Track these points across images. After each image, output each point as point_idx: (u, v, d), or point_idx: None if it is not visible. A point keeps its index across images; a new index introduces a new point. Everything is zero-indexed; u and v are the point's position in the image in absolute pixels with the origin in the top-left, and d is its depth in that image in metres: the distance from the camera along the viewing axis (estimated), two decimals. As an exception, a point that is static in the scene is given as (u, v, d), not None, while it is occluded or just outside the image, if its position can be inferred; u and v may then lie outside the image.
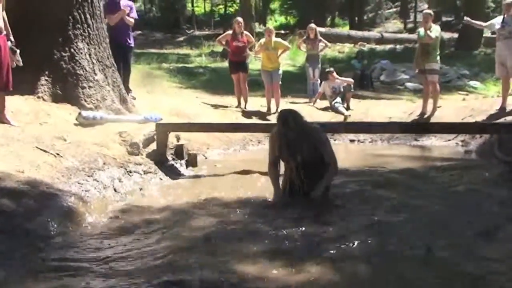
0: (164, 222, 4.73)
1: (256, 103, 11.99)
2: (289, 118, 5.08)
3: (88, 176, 5.69)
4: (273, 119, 11.02)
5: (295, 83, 15.09)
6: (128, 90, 9.90)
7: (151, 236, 4.36)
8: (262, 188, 5.84)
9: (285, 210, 5.00)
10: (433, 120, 10.26)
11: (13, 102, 6.92)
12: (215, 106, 11.21)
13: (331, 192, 5.42)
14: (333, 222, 4.69)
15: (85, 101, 7.65)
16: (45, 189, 4.87)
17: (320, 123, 6.58)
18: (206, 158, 8.00)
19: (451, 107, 10.72)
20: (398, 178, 6.27)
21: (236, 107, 11.52)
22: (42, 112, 6.91)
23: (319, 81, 13.07)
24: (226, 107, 11.40)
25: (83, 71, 7.79)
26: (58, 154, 5.85)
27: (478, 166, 7.23)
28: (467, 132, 7.69)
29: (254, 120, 10.82)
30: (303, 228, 4.36)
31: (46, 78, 7.62)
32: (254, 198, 5.52)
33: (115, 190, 5.74)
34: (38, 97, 7.46)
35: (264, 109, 11.55)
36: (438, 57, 10.28)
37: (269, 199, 5.37)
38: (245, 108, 11.49)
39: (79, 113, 6.97)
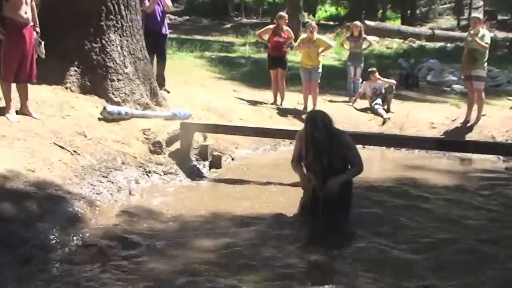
0: (164, 239, 4.46)
1: (293, 99, 11.69)
2: (317, 119, 4.88)
3: (103, 176, 5.55)
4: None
5: (337, 78, 14.67)
6: (162, 82, 9.76)
7: (140, 257, 4.08)
8: (283, 201, 5.57)
9: (300, 231, 4.75)
10: (476, 129, 9.78)
11: (40, 92, 6.84)
12: (251, 102, 10.94)
13: (352, 213, 5.13)
14: (343, 253, 4.41)
15: (113, 94, 7.51)
16: (53, 192, 4.73)
17: (349, 133, 6.27)
18: (232, 160, 7.75)
19: (497, 116, 10.18)
20: (428, 199, 5.89)
21: (272, 103, 11.24)
22: (66, 104, 6.78)
23: (360, 80, 12.65)
24: (262, 103, 11.12)
25: (113, 63, 7.64)
26: (75, 151, 5.72)
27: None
28: (507, 154, 7.11)
29: (289, 119, 10.55)
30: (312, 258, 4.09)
31: (76, 68, 7.50)
32: (270, 215, 5.19)
33: (130, 192, 5.57)
34: (66, 88, 7.35)
35: (301, 107, 11.24)
36: (486, 64, 9.78)
37: (287, 215, 5.11)
38: (281, 105, 11.21)
39: (104, 108, 6.82)
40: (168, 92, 9.61)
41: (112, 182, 5.53)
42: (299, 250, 4.28)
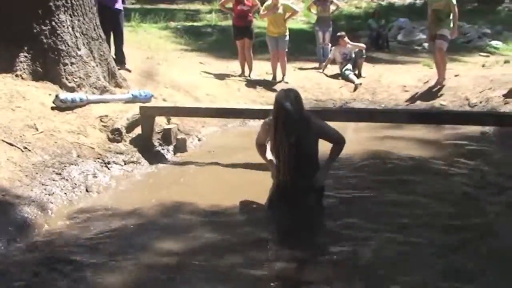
0: (118, 243, 4.07)
1: (262, 68, 11.30)
2: (291, 93, 4.48)
3: (57, 173, 5.16)
4: (279, 88, 10.34)
5: (306, 43, 14.31)
6: (122, 59, 9.29)
7: (86, 270, 3.67)
8: (250, 188, 5.22)
9: (268, 231, 4.48)
10: (449, 91, 9.53)
11: (-13, 83, 6.39)
12: (218, 75, 10.52)
13: (326, 201, 4.85)
14: (313, 257, 4.09)
15: (67, 79, 7.04)
16: (-1, 198, 4.35)
17: (316, 110, 5.96)
18: (199, 140, 7.38)
19: (469, 77, 9.92)
20: (405, 178, 5.59)
21: (240, 75, 10.85)
22: (17, 94, 6.31)
23: (329, 46, 12.28)
24: (229, 76, 10.72)
25: (65, 46, 7.14)
26: (26, 147, 5.32)
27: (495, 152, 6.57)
28: (486, 124, 6.77)
29: (258, 90, 10.23)
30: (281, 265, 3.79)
31: (25, 54, 6.99)
32: (235, 209, 4.82)
33: (86, 189, 5.18)
34: (17, 76, 6.86)
35: (270, 77, 10.87)
36: (451, 24, 9.46)
37: (254, 208, 4.81)
38: (249, 76, 10.84)
39: (56, 96, 6.37)
40: (129, 71, 9.17)
41: (67, 180, 5.14)
42: (265, 255, 3.95)
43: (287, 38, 10.66)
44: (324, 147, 4.75)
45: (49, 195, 4.78)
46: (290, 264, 3.78)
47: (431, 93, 9.66)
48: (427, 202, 4.85)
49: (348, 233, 4.29)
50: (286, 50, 10.67)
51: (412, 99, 9.79)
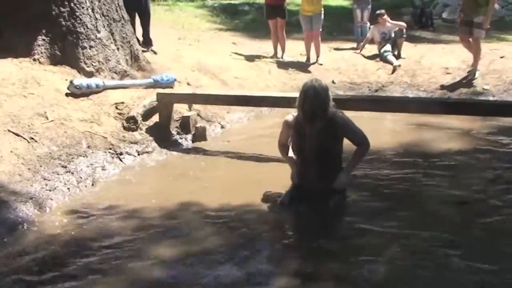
0: (115, 248, 3.72)
1: (296, 49, 10.82)
2: (317, 86, 4.15)
3: (63, 166, 4.90)
4: (313, 70, 9.94)
5: (345, 21, 13.74)
6: (148, 42, 9.02)
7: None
8: (265, 183, 4.84)
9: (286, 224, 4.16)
10: (493, 74, 8.87)
11: (3, 67, 6.19)
12: (249, 57, 10.13)
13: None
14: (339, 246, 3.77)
15: (85, 63, 6.80)
16: (-6, 194, 4.11)
17: (342, 98, 5.52)
18: (222, 127, 7.05)
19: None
20: (440, 172, 5.13)
21: (272, 57, 10.42)
22: (31, 80, 6.10)
23: (368, 24, 11.69)
24: (261, 57, 10.30)
25: (84, 29, 6.89)
26: (32, 138, 5.08)
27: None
28: None
29: (290, 73, 9.79)
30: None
31: (43, 37, 6.77)
32: (246, 208, 4.42)
33: (92, 183, 4.91)
34: (34, 60, 6.66)
35: (304, 58, 10.41)
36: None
37: (267, 206, 4.45)
38: (282, 58, 10.38)
39: (71, 82, 6.12)
40: (155, 53, 8.88)
41: (72, 173, 4.87)
42: (266, 266, 3.56)
43: (322, 17, 10.12)
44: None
45: (50, 190, 4.52)
46: (296, 278, 3.39)
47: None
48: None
49: (365, 240, 3.89)
50: (321, 29, 10.14)
51: (453, 82, 9.17)
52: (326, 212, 4.27)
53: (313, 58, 10.31)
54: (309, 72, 9.84)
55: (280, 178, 4.66)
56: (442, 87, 9.19)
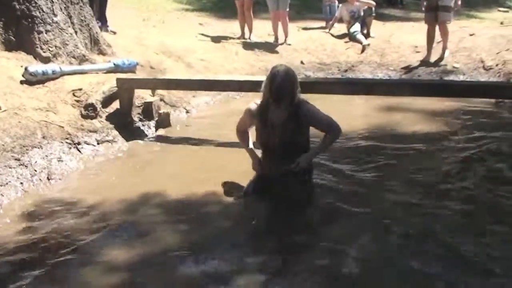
0: (68, 253, 3.43)
1: (264, 29, 10.60)
2: (283, 70, 3.94)
3: (16, 159, 4.62)
4: (281, 51, 9.74)
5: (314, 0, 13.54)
6: (103, 21, 8.65)
7: None
8: (229, 172, 4.66)
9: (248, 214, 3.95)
10: (463, 52, 8.79)
11: (-46, 56, 5.86)
12: (215, 38, 9.86)
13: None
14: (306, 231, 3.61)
15: (41, 48, 6.47)
16: None
17: (310, 81, 5.34)
18: (187, 112, 6.83)
19: (485, 36, 9.13)
20: (409, 159, 5.00)
21: (239, 37, 10.17)
22: (-16, 67, 5.79)
23: (336, 3, 11.49)
24: (228, 38, 10.05)
25: (40, 12, 6.54)
26: (-17, 130, 4.80)
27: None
28: (499, 97, 6.07)
29: (258, 54, 9.55)
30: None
31: (-4, 22, 6.45)
32: (209, 198, 4.23)
33: (48, 177, 4.65)
34: (-13, 46, 6.34)
35: (272, 39, 10.19)
36: None
37: (230, 197, 4.26)
38: (249, 38, 10.15)
39: (25, 69, 5.81)
40: (114, 33, 8.57)
41: (26, 166, 4.61)
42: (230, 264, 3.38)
43: (289, -5, 9.89)
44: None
45: (1, 186, 4.27)
46: (264, 274, 3.21)
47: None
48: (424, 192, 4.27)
49: (334, 230, 3.74)
50: (287, 9, 9.91)
51: (423, 61, 9.05)
52: (291, 201, 4.10)
53: (281, 39, 10.09)
54: (277, 52, 9.64)
55: (244, 165, 4.45)
56: (411, 67, 9.05)
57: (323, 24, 11.43)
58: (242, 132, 4.38)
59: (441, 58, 8.81)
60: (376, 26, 10.96)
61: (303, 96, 4.08)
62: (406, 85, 5.58)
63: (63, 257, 3.40)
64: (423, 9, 8.99)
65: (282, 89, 3.90)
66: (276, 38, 10.09)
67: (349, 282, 3.10)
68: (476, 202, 4.05)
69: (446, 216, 3.85)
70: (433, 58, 8.88)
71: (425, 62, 8.87)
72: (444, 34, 8.70)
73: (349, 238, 3.55)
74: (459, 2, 8.63)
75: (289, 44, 9.92)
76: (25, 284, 3.09)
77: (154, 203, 4.19)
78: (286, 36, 10.03)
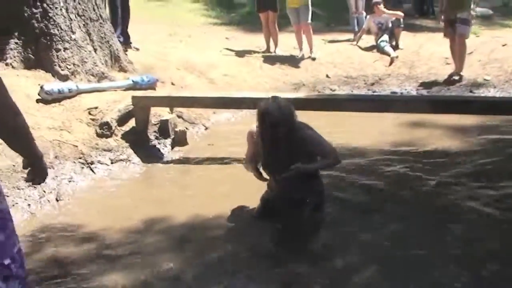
0: (73, 280, 3.31)
1: (289, 43, 10.43)
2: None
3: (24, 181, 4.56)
4: (306, 65, 9.57)
5: (342, 10, 13.28)
6: (125, 38, 8.60)
7: None
8: (250, 189, 4.44)
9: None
10: (491, 64, 8.46)
11: (-27, 74, 5.85)
12: (240, 52, 9.74)
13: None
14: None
15: (59, 66, 6.46)
16: None
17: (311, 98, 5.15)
18: (206, 129, 6.71)
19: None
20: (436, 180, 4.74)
21: (265, 51, 10.04)
22: (1, 86, 5.76)
23: (364, 14, 11.27)
24: (252, 52, 9.92)
25: (58, 30, 6.54)
26: (-5, 150, 4.75)
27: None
28: None
29: (282, 68, 9.39)
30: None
31: (16, 41, 6.45)
32: (220, 224, 4.06)
33: (56, 198, 4.57)
34: (7, 65, 6.34)
35: (297, 52, 10.02)
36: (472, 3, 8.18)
37: (242, 223, 4.10)
38: (274, 52, 10.01)
39: (41, 87, 5.79)
40: (137, 49, 8.52)
41: (35, 187, 4.54)
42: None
43: (309, 8, 9.69)
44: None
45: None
46: None
47: (474, 68, 8.59)
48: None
49: (345, 247, 3.57)
50: (310, 21, 9.71)
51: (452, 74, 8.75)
52: (304, 223, 3.92)
53: (306, 52, 9.91)
54: (302, 66, 9.47)
55: (262, 185, 4.26)
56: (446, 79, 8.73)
57: (351, 36, 11.21)
58: (249, 163, 4.13)
59: (456, 74, 8.47)
60: (406, 38, 10.70)
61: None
62: (424, 102, 5.32)
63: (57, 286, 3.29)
64: (441, 22, 8.68)
65: (277, 120, 3.69)
66: (301, 51, 9.91)
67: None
68: (493, 220, 3.85)
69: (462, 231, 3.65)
70: (464, 70, 8.56)
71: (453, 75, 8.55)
72: (461, 49, 8.36)
73: (355, 269, 3.35)
74: (473, 13, 8.32)
75: (314, 58, 9.74)
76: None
77: (160, 229, 4.05)
78: (311, 49, 9.86)
